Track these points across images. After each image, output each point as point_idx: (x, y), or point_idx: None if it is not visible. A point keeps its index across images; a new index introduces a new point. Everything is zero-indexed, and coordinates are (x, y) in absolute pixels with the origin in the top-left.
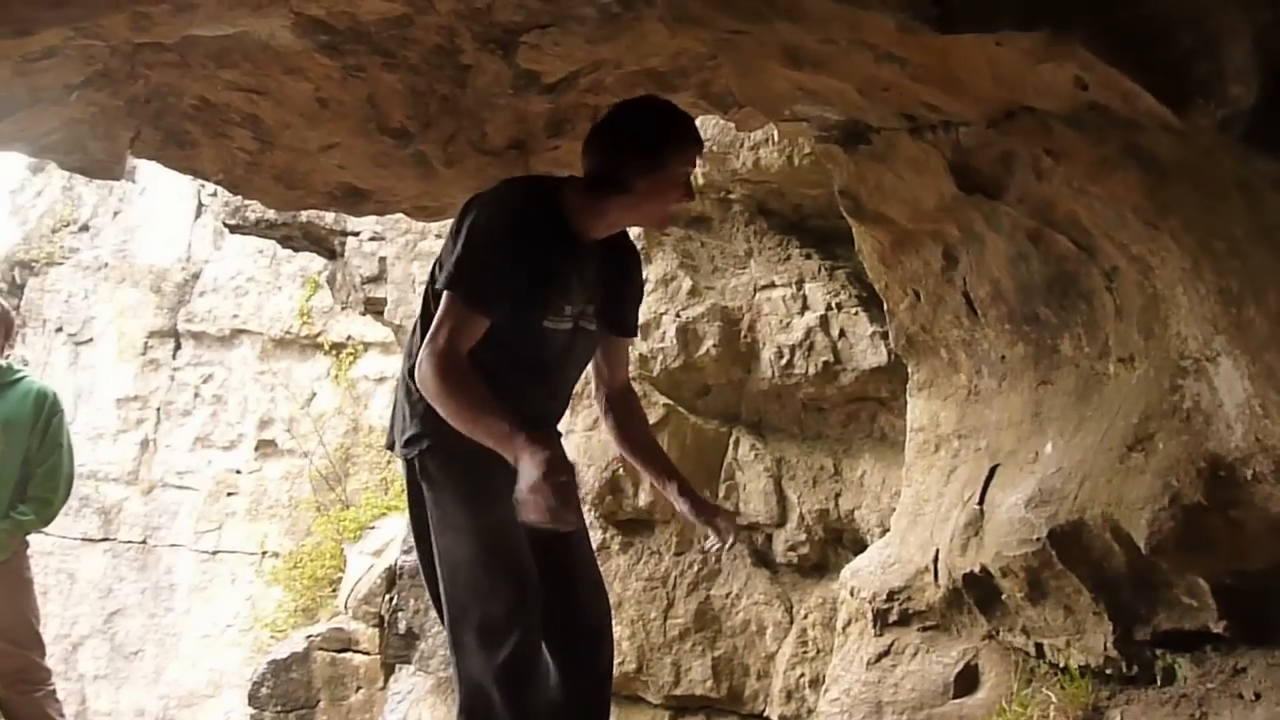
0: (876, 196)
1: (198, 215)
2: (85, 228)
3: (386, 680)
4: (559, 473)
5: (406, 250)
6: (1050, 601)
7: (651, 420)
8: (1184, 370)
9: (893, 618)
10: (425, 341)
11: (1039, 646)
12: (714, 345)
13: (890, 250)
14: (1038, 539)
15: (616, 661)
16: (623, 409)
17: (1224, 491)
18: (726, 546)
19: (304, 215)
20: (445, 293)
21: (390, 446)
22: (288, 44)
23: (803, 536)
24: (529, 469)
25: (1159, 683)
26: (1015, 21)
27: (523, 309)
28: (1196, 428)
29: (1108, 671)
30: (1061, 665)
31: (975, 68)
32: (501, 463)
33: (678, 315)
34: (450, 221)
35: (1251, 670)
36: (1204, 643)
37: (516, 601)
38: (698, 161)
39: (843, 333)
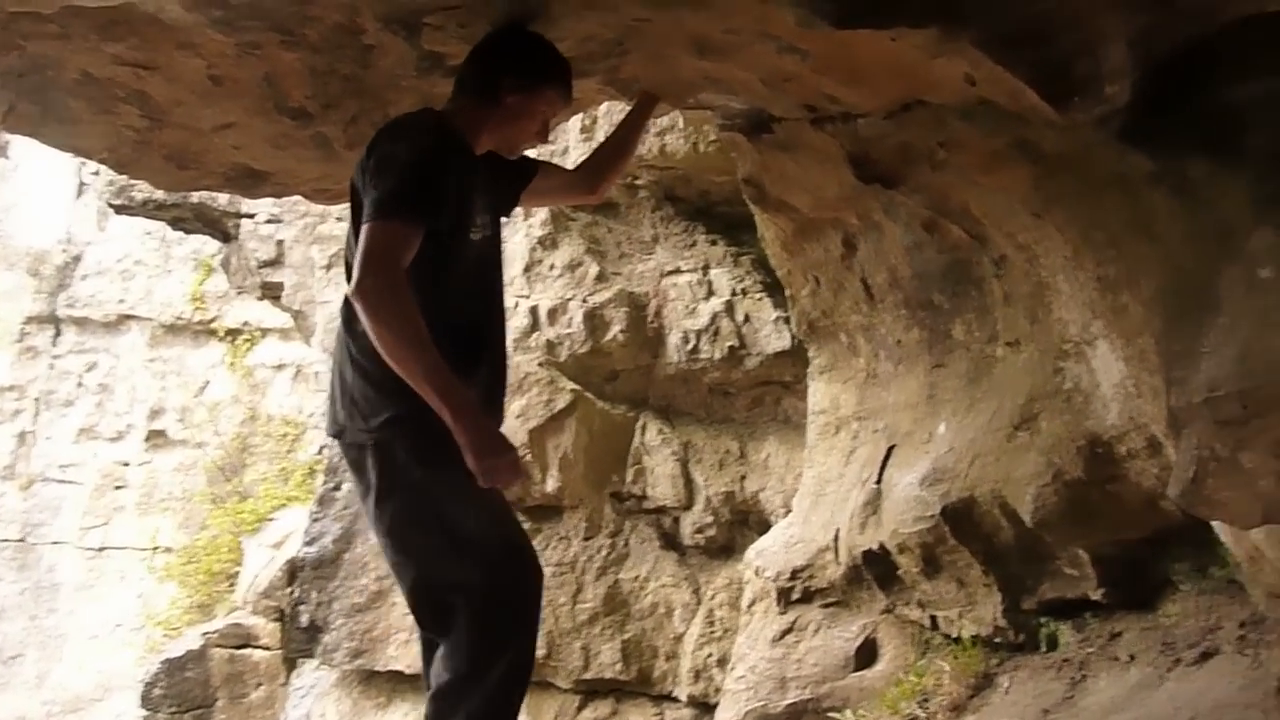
0: (779, 185)
1: (79, 194)
2: None
3: (288, 676)
4: (512, 449)
5: (306, 233)
6: (944, 575)
7: (558, 406)
8: (1065, 353)
9: (796, 595)
10: (359, 271)
11: (934, 619)
12: (621, 330)
13: (792, 238)
14: (932, 516)
15: None
16: (587, 165)
17: (1102, 467)
18: None
19: (195, 196)
20: (370, 223)
21: (337, 434)
22: (178, 18)
23: (710, 519)
24: (487, 444)
25: (1043, 649)
26: (909, 18)
27: (454, 225)
28: (1077, 407)
29: (997, 640)
30: (955, 636)
31: (874, 61)
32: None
33: (584, 300)
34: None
35: (1127, 634)
36: (1084, 610)
37: (534, 578)
38: (561, 111)
39: (747, 318)
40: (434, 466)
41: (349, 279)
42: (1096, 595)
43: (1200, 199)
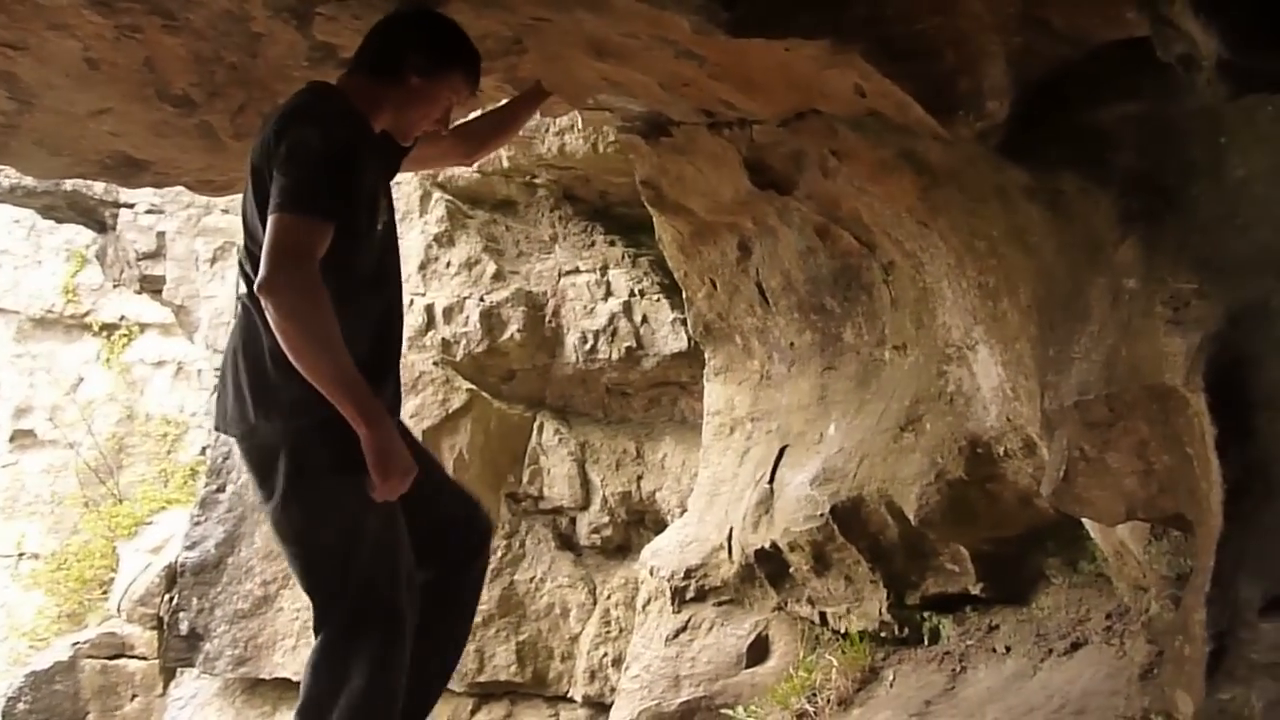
0: (677, 188)
1: None
2: None
3: (166, 686)
4: (414, 466)
5: (189, 225)
6: (833, 573)
7: (454, 406)
8: (949, 357)
9: (690, 594)
10: (268, 265)
11: (823, 615)
12: (518, 330)
13: (689, 240)
14: (821, 515)
15: None
16: (466, 130)
17: (981, 467)
18: None
19: (69, 184)
20: (280, 215)
21: (244, 433)
22: None
23: (606, 519)
24: (395, 460)
25: (926, 642)
26: (801, 30)
27: (361, 217)
28: (959, 409)
29: (882, 635)
30: (843, 631)
31: (769, 70)
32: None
33: (482, 299)
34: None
35: (1003, 627)
36: (964, 604)
37: (411, 612)
38: (465, 102)
39: (645, 319)
40: (352, 473)
41: (250, 264)
42: (976, 590)
43: (1072, 213)
